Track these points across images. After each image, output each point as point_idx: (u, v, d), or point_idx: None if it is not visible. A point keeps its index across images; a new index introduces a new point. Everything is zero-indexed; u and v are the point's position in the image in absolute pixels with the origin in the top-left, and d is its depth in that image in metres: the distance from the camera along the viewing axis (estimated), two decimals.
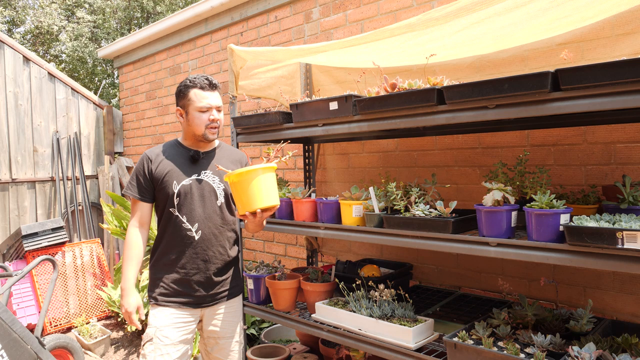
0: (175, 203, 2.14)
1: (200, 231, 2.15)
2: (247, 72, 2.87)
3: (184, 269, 2.15)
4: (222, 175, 2.19)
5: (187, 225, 2.15)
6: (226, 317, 2.25)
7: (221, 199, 2.22)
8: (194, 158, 2.19)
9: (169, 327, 2.10)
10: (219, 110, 2.17)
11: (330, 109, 2.13)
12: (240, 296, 2.35)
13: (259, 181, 1.90)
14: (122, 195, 5.23)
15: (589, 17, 1.93)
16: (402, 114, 1.90)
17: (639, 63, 1.31)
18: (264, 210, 1.95)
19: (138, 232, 2.18)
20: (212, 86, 2.14)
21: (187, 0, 11.72)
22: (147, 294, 2.27)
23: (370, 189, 2.10)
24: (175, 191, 2.13)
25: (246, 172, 1.88)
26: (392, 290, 2.20)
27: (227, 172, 1.96)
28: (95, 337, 3.95)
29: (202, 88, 2.12)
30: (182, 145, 2.25)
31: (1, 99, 4.86)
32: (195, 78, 2.12)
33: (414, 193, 2.09)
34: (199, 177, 2.18)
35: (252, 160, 4.11)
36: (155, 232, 2.65)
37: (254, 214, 1.94)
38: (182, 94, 2.16)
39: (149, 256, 2.38)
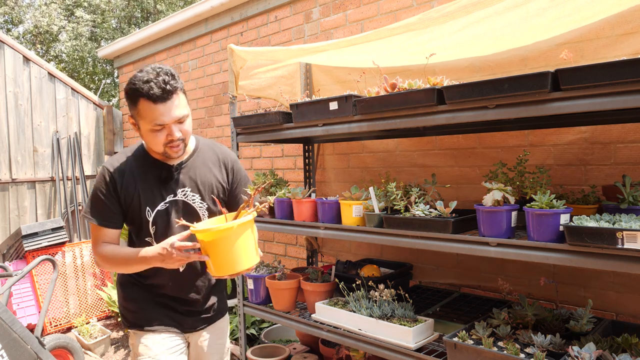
0: (152, 232, 1.76)
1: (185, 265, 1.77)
2: (247, 72, 2.87)
3: (166, 299, 1.83)
4: (203, 190, 1.80)
5: None
6: (212, 340, 1.96)
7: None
8: (164, 176, 1.75)
9: (166, 354, 1.78)
10: (181, 122, 1.63)
11: (330, 109, 2.13)
12: (226, 315, 2.05)
13: (237, 240, 1.52)
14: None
15: (589, 16, 1.93)
16: (402, 114, 1.90)
17: (639, 63, 1.31)
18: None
19: (110, 246, 1.75)
20: (166, 93, 1.55)
21: None
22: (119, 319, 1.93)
23: (370, 189, 2.10)
24: (150, 219, 1.73)
25: (218, 231, 1.50)
26: (392, 290, 2.20)
27: (193, 227, 1.56)
28: (95, 337, 3.95)
29: (151, 99, 1.54)
30: (149, 156, 1.77)
31: (1, 99, 4.86)
32: (144, 80, 1.55)
33: (414, 193, 2.09)
34: (176, 199, 1.75)
35: (252, 160, 4.12)
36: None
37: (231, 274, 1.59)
38: (130, 99, 1.61)
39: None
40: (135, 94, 1.57)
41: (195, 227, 1.56)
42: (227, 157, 1.89)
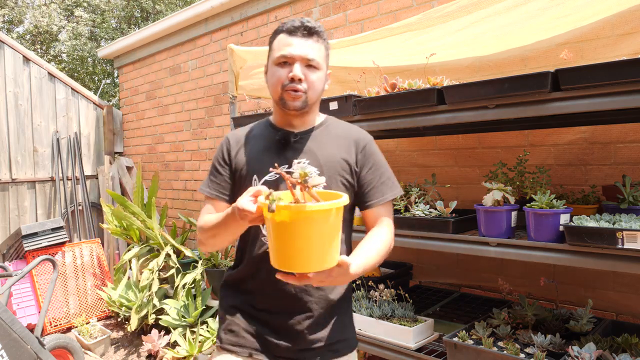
0: None
1: None
2: (247, 72, 2.87)
3: (259, 305, 1.45)
4: (325, 164, 1.44)
5: (267, 239, 1.39)
6: None
7: None
8: (281, 142, 1.47)
9: None
10: (309, 66, 1.39)
11: (330, 109, 2.13)
12: (352, 355, 1.49)
13: (326, 227, 1.08)
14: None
15: (589, 16, 1.93)
16: (402, 114, 1.90)
17: (639, 63, 1.31)
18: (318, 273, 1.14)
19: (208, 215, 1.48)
20: (305, 29, 1.39)
21: None
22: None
23: None
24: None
25: (313, 211, 1.05)
26: (392, 290, 2.20)
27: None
28: (95, 337, 3.95)
29: (288, 32, 1.39)
30: (270, 124, 1.55)
31: (1, 99, 4.85)
32: (289, 21, 1.43)
33: (414, 193, 2.09)
34: (289, 170, 1.44)
35: None
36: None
37: (300, 275, 1.14)
38: (270, 42, 1.46)
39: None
40: (275, 33, 1.44)
41: (276, 202, 1.05)
42: (360, 135, 1.52)
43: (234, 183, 1.49)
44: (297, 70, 1.37)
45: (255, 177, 1.44)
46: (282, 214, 1.06)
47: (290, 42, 1.38)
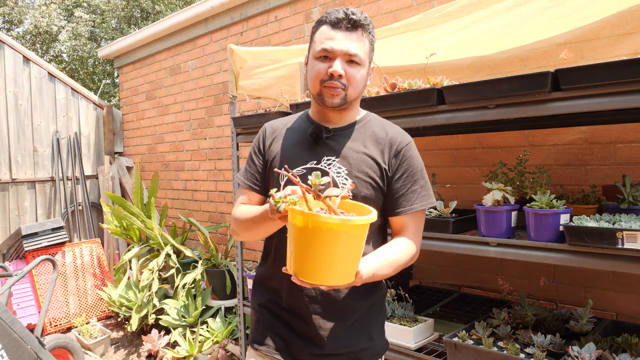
0: None
1: None
2: (247, 72, 2.87)
3: (284, 304, 1.40)
4: (354, 164, 1.36)
5: None
6: None
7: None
8: (313, 137, 1.40)
9: None
10: (351, 62, 1.31)
11: None
12: None
13: (343, 243, 1.01)
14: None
15: (589, 15, 1.93)
16: (402, 114, 1.90)
17: (639, 63, 1.31)
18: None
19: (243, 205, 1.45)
20: (349, 22, 1.32)
21: None
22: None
23: None
24: (282, 183, 1.39)
25: (324, 223, 0.98)
26: (392, 290, 2.20)
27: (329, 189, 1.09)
28: (95, 337, 3.95)
29: (331, 24, 1.32)
30: (308, 116, 1.49)
31: (1, 99, 4.86)
32: (332, 11, 1.36)
33: None
34: (317, 166, 1.38)
35: None
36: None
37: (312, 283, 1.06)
38: (312, 33, 1.40)
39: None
40: (318, 24, 1.37)
41: (301, 209, 1.03)
42: (397, 137, 1.40)
43: (267, 175, 1.45)
44: (338, 66, 1.30)
45: (282, 170, 1.34)
46: (296, 218, 1.03)
47: (333, 36, 1.31)
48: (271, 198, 1.12)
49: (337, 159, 1.37)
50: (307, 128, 1.43)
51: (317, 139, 1.40)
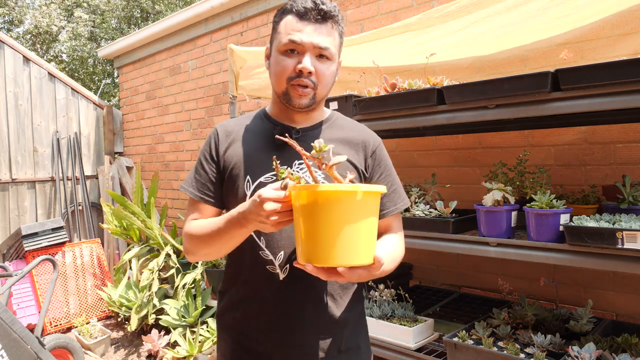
0: None
1: (287, 266, 1.21)
2: (247, 72, 2.87)
3: (253, 336, 1.25)
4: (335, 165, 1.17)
5: (267, 253, 1.22)
6: None
7: None
8: (283, 142, 1.18)
9: None
10: (320, 57, 1.20)
11: (330, 109, 2.12)
12: None
13: (355, 213, 0.95)
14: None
15: (589, 15, 1.93)
16: (402, 114, 1.90)
17: (639, 63, 1.32)
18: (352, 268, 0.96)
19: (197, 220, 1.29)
20: (318, 12, 1.18)
21: None
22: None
23: None
24: (248, 193, 1.23)
25: (341, 192, 0.93)
26: (392, 290, 2.20)
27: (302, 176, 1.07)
28: (95, 337, 3.94)
29: (298, 15, 1.18)
30: (267, 116, 1.34)
31: (1, 99, 4.86)
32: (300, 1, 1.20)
33: (414, 193, 2.09)
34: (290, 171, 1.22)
35: None
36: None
37: (329, 270, 0.96)
38: (275, 22, 1.26)
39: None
40: (282, 12, 1.23)
41: (292, 176, 1.00)
42: (369, 138, 1.34)
43: (222, 184, 1.29)
44: (307, 62, 1.17)
45: (248, 178, 1.24)
46: (302, 196, 0.95)
47: (301, 28, 1.17)
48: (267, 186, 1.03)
49: (310, 162, 1.21)
50: (270, 129, 1.29)
51: (286, 143, 1.20)
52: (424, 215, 1.93)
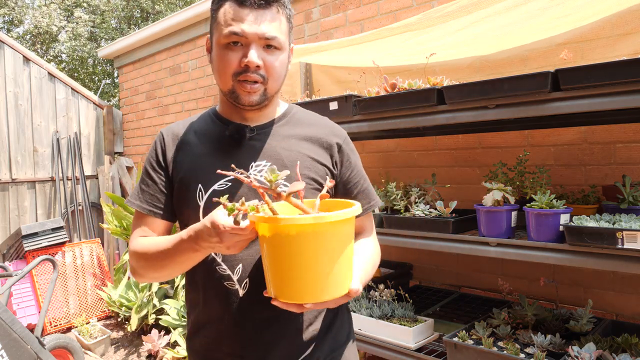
0: None
1: (247, 280, 1.09)
2: None
3: (217, 356, 1.13)
4: (292, 167, 1.11)
5: (224, 268, 1.10)
6: None
7: None
8: (233, 139, 1.14)
9: None
10: (268, 47, 1.06)
11: (330, 109, 2.13)
12: None
13: (332, 243, 0.85)
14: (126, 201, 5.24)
15: (589, 15, 1.93)
16: (402, 114, 1.90)
17: (639, 63, 1.31)
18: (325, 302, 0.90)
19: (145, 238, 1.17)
20: None
21: None
22: None
23: None
24: (202, 204, 1.10)
25: (305, 225, 0.82)
26: (392, 290, 2.20)
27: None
28: (95, 337, 3.94)
29: (238, 1, 1.04)
30: (217, 116, 1.21)
31: (1, 99, 4.85)
32: None
33: (414, 193, 2.09)
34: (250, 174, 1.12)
35: None
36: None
37: (301, 305, 0.88)
38: (213, 10, 1.11)
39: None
40: (219, 2, 1.08)
41: (247, 207, 0.87)
42: (334, 131, 1.22)
43: (172, 194, 1.16)
44: (254, 55, 1.03)
45: (200, 186, 1.10)
46: (261, 228, 0.85)
47: (242, 16, 1.03)
48: (222, 207, 0.89)
49: (268, 164, 1.11)
50: (221, 130, 1.15)
51: (238, 142, 1.13)
52: (424, 215, 1.93)
